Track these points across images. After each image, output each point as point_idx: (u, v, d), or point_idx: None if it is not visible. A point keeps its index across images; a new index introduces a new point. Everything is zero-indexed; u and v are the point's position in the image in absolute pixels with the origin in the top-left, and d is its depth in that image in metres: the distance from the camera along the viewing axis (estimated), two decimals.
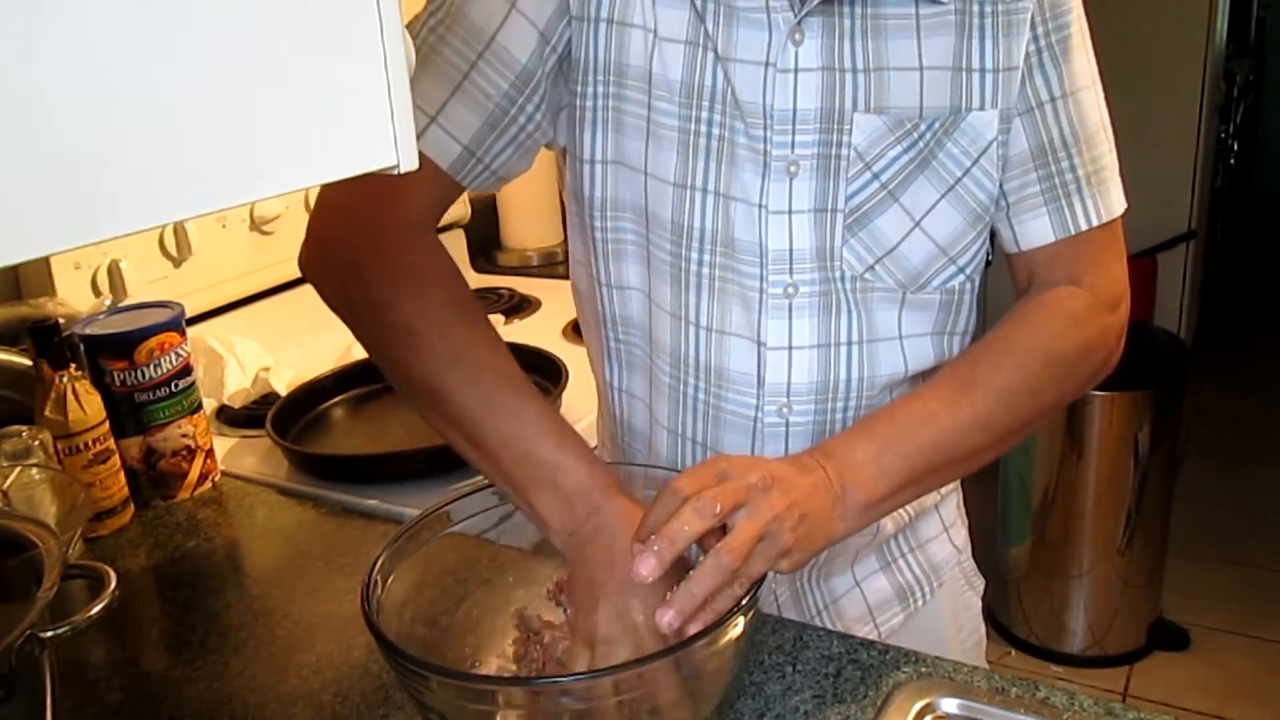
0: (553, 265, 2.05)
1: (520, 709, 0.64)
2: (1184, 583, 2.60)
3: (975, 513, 1.05)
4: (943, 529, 0.99)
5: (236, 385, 1.42)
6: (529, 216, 2.10)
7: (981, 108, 0.78)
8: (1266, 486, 3.08)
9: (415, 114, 0.42)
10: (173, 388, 1.17)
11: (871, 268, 0.80)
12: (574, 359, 1.38)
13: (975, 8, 0.76)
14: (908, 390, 0.85)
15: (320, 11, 0.37)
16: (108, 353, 1.14)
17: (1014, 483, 2.43)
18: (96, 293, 1.36)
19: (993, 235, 0.85)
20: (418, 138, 0.42)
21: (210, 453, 1.22)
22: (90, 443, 1.09)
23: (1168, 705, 2.23)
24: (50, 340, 1.07)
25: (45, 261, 1.30)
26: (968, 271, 0.83)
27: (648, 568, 0.64)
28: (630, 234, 0.83)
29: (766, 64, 0.76)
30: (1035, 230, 0.82)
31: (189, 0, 0.34)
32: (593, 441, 1.29)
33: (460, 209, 1.97)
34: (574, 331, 1.64)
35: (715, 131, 0.78)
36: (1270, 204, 5.46)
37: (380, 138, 0.40)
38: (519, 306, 1.81)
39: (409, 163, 0.41)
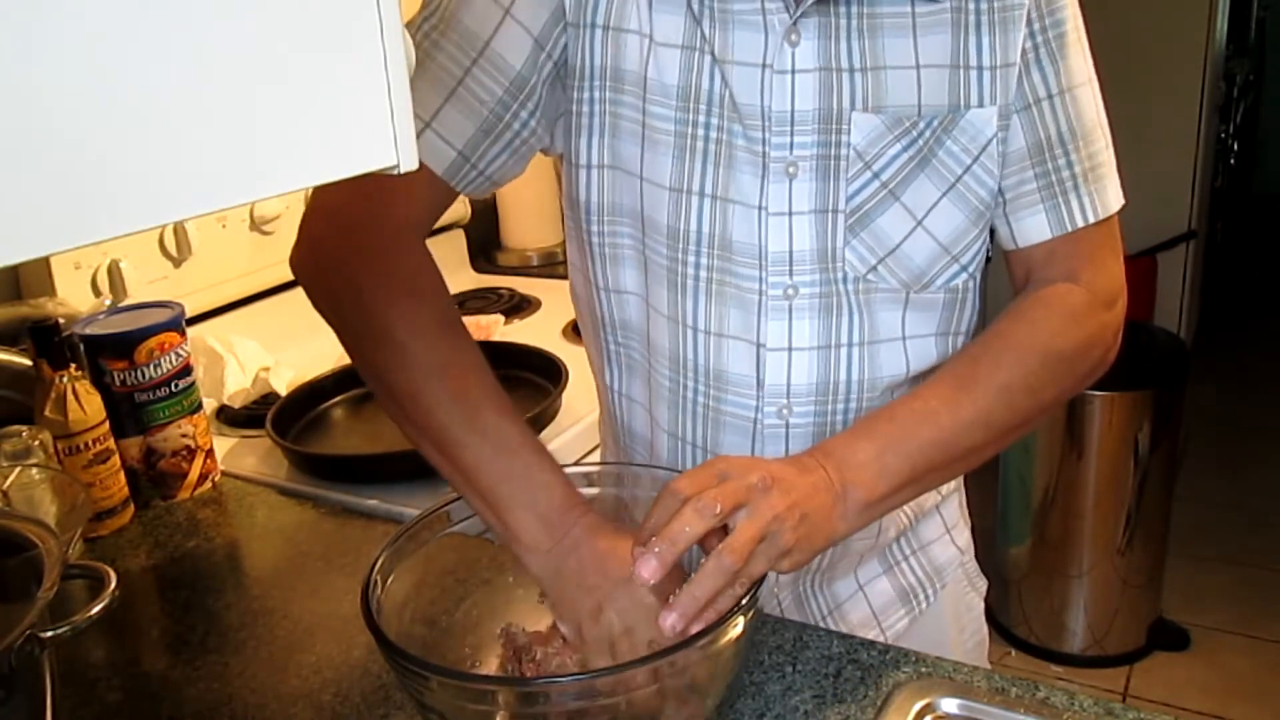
0: (553, 265, 2.05)
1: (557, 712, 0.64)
2: (1184, 583, 2.60)
3: (975, 513, 1.05)
4: (945, 530, 0.99)
5: (236, 385, 1.42)
6: (529, 216, 2.10)
7: (980, 105, 0.78)
8: (1266, 486, 3.08)
9: None
10: (173, 388, 1.17)
11: (874, 268, 0.80)
12: (574, 359, 1.38)
13: (971, 5, 0.76)
14: (907, 390, 0.85)
15: (320, 11, 0.37)
16: (108, 353, 1.14)
17: (1014, 483, 2.43)
18: (96, 293, 1.36)
19: (991, 232, 0.85)
20: None
21: (210, 453, 1.22)
22: (90, 443, 1.09)
23: (1168, 705, 2.23)
24: (50, 340, 1.07)
25: (45, 261, 1.30)
26: (970, 270, 0.83)
27: (649, 569, 0.64)
28: (627, 239, 0.83)
29: (763, 66, 0.76)
30: (1032, 227, 0.82)
31: (189, 0, 0.34)
32: (594, 441, 1.30)
33: (460, 209, 1.97)
34: (574, 331, 1.64)
35: (712, 135, 0.78)
36: (1270, 204, 5.46)
37: (380, 138, 0.40)
38: (519, 306, 1.81)
39: (409, 163, 0.41)
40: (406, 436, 0.79)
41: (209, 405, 1.36)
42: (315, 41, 0.37)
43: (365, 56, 0.39)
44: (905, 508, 0.92)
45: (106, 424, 1.11)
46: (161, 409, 1.17)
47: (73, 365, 1.09)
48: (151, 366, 1.15)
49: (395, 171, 0.41)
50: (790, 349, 0.81)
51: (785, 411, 0.83)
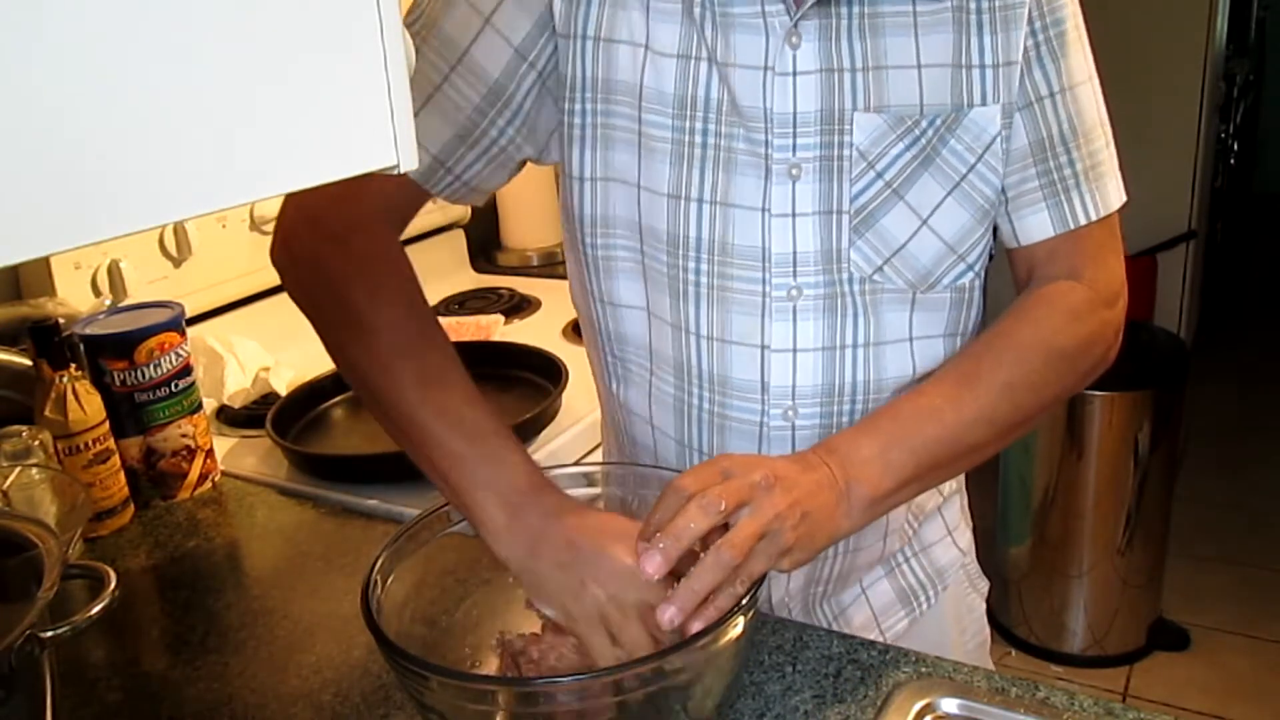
0: (553, 265, 2.05)
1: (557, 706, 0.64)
2: (1184, 583, 2.60)
3: (975, 513, 1.05)
4: (946, 532, 0.99)
5: (236, 385, 1.42)
6: (529, 216, 2.10)
7: (983, 103, 0.78)
8: (1266, 486, 3.08)
9: None
10: (173, 388, 1.17)
11: (880, 268, 0.80)
12: (574, 359, 1.38)
13: (972, 4, 0.76)
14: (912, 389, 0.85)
15: (320, 11, 0.37)
16: (108, 353, 1.14)
17: (1014, 483, 2.43)
18: (96, 293, 1.36)
19: (993, 230, 0.85)
20: None
21: (210, 453, 1.22)
22: (90, 443, 1.09)
23: (1168, 705, 2.23)
24: (50, 340, 1.07)
25: (45, 261, 1.30)
26: (976, 268, 0.83)
27: (653, 565, 0.64)
28: (623, 250, 0.83)
29: (765, 68, 0.76)
30: (1034, 225, 0.82)
31: (189, 1, 0.34)
32: (593, 441, 1.30)
33: (460, 209, 1.97)
34: (574, 331, 1.64)
35: (710, 141, 0.78)
36: (1270, 204, 5.46)
37: (380, 138, 0.40)
38: (519, 306, 1.81)
39: (409, 163, 0.41)
40: (383, 427, 0.79)
41: (209, 405, 1.36)
42: (315, 41, 0.37)
43: (365, 56, 0.39)
44: (907, 513, 0.92)
45: (106, 424, 1.11)
46: (161, 409, 1.17)
47: (73, 365, 1.09)
48: (151, 366, 1.15)
49: (395, 171, 0.41)
50: (795, 350, 0.81)
51: (791, 414, 0.83)
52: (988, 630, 1.07)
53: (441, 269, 1.95)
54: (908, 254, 0.80)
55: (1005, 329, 0.82)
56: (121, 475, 1.14)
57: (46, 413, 1.07)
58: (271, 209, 1.55)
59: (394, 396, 0.76)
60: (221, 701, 0.84)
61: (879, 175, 0.78)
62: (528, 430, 1.27)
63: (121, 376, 1.14)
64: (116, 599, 0.70)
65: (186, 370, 1.19)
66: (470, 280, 2.00)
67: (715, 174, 0.78)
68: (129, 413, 1.16)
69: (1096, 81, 0.83)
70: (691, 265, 0.81)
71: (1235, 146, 3.85)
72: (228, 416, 1.40)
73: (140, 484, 1.17)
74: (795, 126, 0.77)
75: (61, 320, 1.13)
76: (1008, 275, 0.88)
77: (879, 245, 0.80)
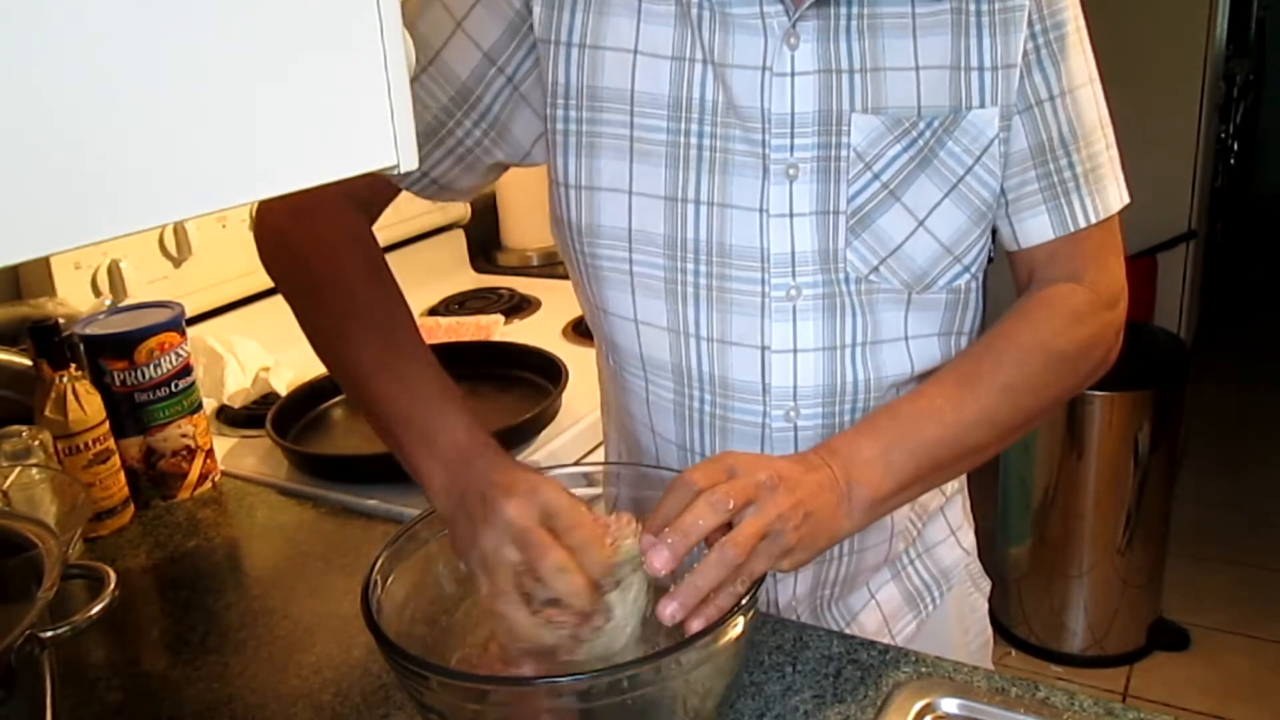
0: (553, 265, 2.05)
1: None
2: (1184, 583, 2.60)
3: (976, 513, 1.05)
4: (950, 533, 0.99)
5: (236, 385, 1.42)
6: (529, 216, 2.10)
7: (981, 105, 0.78)
8: (1266, 486, 3.08)
9: None
10: (173, 388, 1.17)
11: (876, 269, 0.80)
12: (574, 359, 1.38)
13: (971, 6, 0.76)
14: (913, 389, 0.85)
15: (320, 11, 0.37)
16: (108, 353, 1.14)
17: (1014, 483, 2.43)
18: (96, 293, 1.36)
19: (994, 232, 0.85)
20: None
21: (210, 453, 1.22)
22: (90, 443, 1.09)
23: (1168, 705, 2.23)
24: (50, 340, 1.07)
25: (45, 261, 1.30)
26: (973, 270, 0.83)
27: (660, 560, 0.64)
28: (606, 259, 0.83)
29: (763, 69, 0.76)
30: (1034, 228, 0.83)
31: (189, 1, 0.34)
32: (593, 441, 1.30)
33: (460, 209, 1.97)
34: (574, 331, 1.64)
35: (705, 143, 0.78)
36: (1270, 204, 5.46)
37: (380, 138, 0.40)
38: (519, 306, 1.81)
39: (409, 163, 0.41)
40: (341, 388, 0.81)
41: (209, 405, 1.36)
42: (315, 42, 0.37)
43: (365, 56, 0.39)
44: (911, 513, 0.92)
45: (106, 424, 1.11)
46: (161, 409, 1.17)
47: (73, 365, 1.09)
48: (151, 366, 1.15)
49: (395, 171, 0.41)
50: (795, 350, 0.81)
51: (793, 414, 0.83)
52: (990, 630, 1.07)
53: (441, 269, 1.95)
54: (904, 255, 0.80)
55: (1006, 331, 0.82)
56: (121, 475, 1.14)
57: (46, 413, 1.07)
58: None
59: (350, 360, 0.78)
60: (221, 701, 0.84)
61: (876, 176, 0.78)
62: (528, 430, 1.27)
63: (121, 376, 1.14)
64: (116, 599, 0.70)
65: (186, 370, 1.19)
66: (470, 280, 2.00)
67: (712, 175, 0.78)
68: (129, 413, 1.16)
69: (1098, 83, 0.82)
70: (690, 268, 0.81)
71: (1235, 146, 3.85)
72: (228, 416, 1.40)
73: (140, 484, 1.17)
74: (793, 127, 0.77)
75: (61, 320, 1.13)
76: (1008, 276, 0.88)
77: (875, 246, 0.80)
